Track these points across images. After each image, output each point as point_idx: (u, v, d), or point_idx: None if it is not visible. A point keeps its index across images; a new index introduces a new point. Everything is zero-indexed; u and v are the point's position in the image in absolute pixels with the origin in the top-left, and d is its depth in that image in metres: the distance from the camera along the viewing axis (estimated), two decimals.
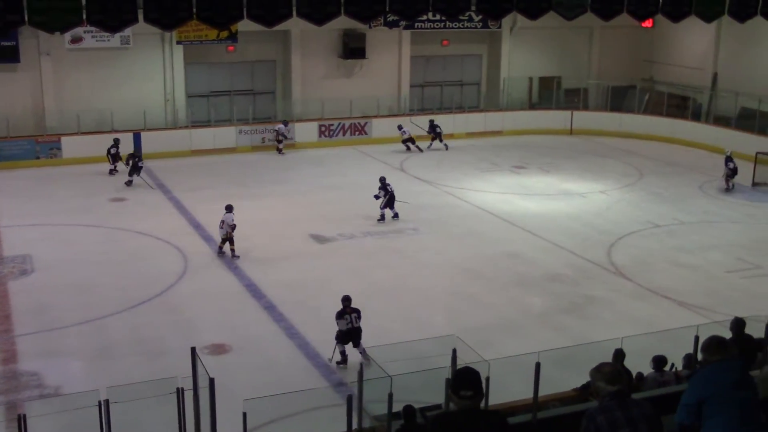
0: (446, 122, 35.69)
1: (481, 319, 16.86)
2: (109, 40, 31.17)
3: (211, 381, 9.48)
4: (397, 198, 23.54)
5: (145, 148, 30.94)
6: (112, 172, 28.65)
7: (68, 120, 31.28)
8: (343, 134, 34.34)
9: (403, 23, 34.81)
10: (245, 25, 17.56)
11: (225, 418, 9.89)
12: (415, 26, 35.41)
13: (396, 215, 23.55)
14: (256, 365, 14.78)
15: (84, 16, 13.81)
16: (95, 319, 16.71)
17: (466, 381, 5.56)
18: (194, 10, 14.43)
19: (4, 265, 19.89)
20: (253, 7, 14.86)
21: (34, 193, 26.69)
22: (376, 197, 23.42)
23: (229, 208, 20.43)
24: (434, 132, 33.42)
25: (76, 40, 31.10)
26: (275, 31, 28.36)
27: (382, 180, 23.66)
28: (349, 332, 14.83)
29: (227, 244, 20.30)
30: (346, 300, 15.04)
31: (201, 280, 18.99)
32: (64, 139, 30.85)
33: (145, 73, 32.87)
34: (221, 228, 20.24)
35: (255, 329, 16.31)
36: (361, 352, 14.74)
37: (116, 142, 28.82)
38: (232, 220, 20.04)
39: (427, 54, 37.75)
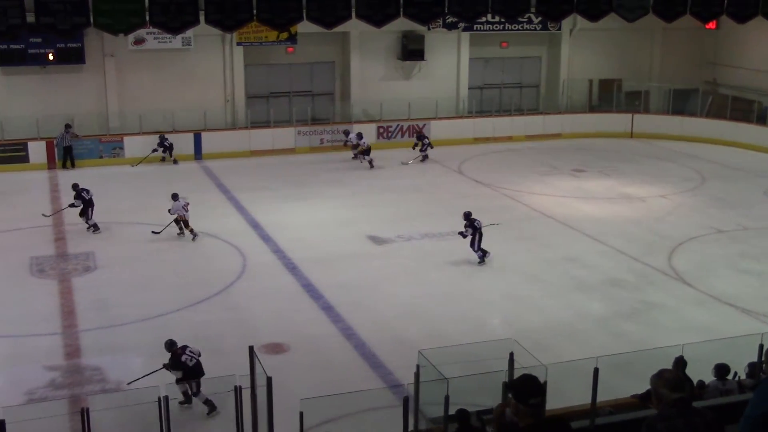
0: (505, 124, 35.57)
1: (538, 323, 16.73)
2: (170, 42, 31.58)
3: (269, 380, 9.56)
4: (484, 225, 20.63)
5: (205, 149, 31.42)
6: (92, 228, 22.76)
7: (130, 120, 31.82)
8: (402, 136, 34.33)
9: (462, 25, 34.71)
10: (305, 27, 17.70)
11: (282, 417, 9.97)
12: (474, 28, 35.26)
13: (484, 256, 20.09)
14: (313, 365, 14.86)
15: (147, 18, 14.06)
16: (155, 316, 16.95)
17: (534, 388, 5.56)
18: (254, 11, 14.58)
19: (68, 262, 20.30)
20: (313, 9, 14.96)
21: (97, 191, 26.97)
22: (462, 235, 20.12)
23: (175, 197, 22.17)
24: (422, 140, 31.51)
25: (138, 41, 31.58)
26: (334, 33, 28.53)
27: (467, 216, 20.32)
28: (195, 368, 13.26)
29: (183, 225, 22.11)
30: (172, 345, 13.43)
31: (259, 280, 19.14)
32: (126, 138, 31.36)
33: (205, 74, 33.27)
34: (177, 213, 22.01)
35: (312, 329, 16.39)
36: (205, 402, 13.21)
37: (75, 187, 23.20)
38: (177, 208, 21.94)
39: (486, 56, 37.57)
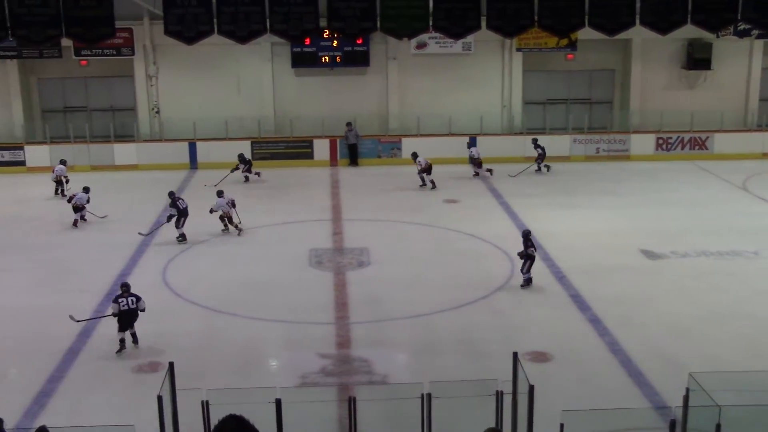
0: None
1: None
2: (451, 46, 32.27)
3: (531, 388, 9.52)
4: None
5: (482, 152, 31.75)
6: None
7: (409, 122, 32.87)
8: (682, 148, 32.93)
9: (755, 32, 32.71)
10: (585, 33, 17.45)
11: (541, 426, 9.89)
12: None
13: (528, 281, 18.81)
14: (576, 377, 14.58)
15: (430, 23, 14.46)
16: (422, 315, 17.33)
17: None
18: (536, 18, 14.57)
19: (344, 256, 21.27)
20: (595, 16, 14.71)
21: (374, 189, 28.29)
22: (520, 255, 18.84)
23: (219, 194, 22.85)
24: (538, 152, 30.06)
25: (420, 45, 32.55)
26: (615, 40, 27.82)
27: (527, 235, 19.00)
28: (126, 314, 15.36)
29: (228, 222, 22.82)
30: (124, 285, 15.72)
31: (527, 287, 19.04)
32: (404, 140, 32.41)
33: (484, 79, 33.66)
34: (220, 209, 22.67)
35: (577, 341, 16.09)
36: (133, 334, 15.53)
37: (170, 195, 22.67)
38: (220, 205, 22.64)
39: None
